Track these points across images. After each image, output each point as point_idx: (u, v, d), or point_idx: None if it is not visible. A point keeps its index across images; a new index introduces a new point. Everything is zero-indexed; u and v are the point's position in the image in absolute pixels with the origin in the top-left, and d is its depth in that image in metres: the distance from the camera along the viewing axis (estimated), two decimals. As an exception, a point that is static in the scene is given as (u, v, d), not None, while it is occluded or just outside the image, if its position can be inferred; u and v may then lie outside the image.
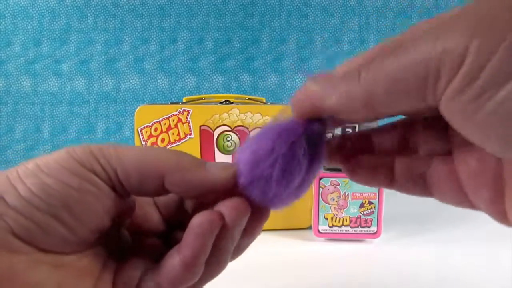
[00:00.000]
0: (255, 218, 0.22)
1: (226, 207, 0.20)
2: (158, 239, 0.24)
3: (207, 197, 0.21)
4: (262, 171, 0.20)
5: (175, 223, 0.24)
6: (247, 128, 0.60)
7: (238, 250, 0.23)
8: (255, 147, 0.21)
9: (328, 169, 0.56)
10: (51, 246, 0.19)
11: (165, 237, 0.24)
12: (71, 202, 0.19)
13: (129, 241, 0.24)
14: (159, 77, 1.08)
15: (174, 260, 0.20)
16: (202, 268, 0.21)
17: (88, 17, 1.06)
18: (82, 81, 1.06)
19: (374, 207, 0.54)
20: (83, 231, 0.20)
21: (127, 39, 1.07)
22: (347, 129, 0.55)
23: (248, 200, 0.21)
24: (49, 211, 0.19)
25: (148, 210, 0.24)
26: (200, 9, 1.08)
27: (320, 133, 0.21)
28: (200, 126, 0.60)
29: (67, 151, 0.20)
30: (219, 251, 0.21)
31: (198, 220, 0.20)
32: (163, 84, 1.08)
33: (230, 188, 0.21)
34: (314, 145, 0.21)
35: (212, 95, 0.68)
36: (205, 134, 0.60)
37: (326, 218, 0.55)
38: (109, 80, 1.07)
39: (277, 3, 1.10)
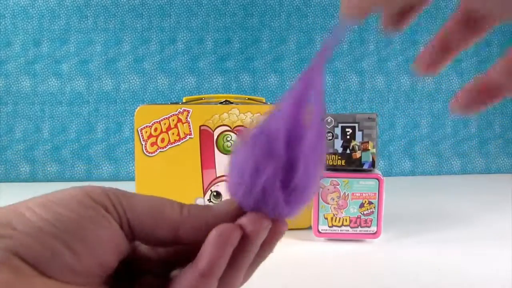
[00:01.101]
0: (272, 230, 0.22)
1: (246, 219, 0.21)
2: (156, 279, 0.23)
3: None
4: (255, 194, 0.20)
5: (172, 263, 0.24)
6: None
7: (253, 266, 0.23)
8: (238, 171, 0.21)
9: (328, 169, 0.56)
10: (56, 272, 0.18)
11: (163, 276, 0.23)
12: (82, 230, 0.19)
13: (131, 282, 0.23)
14: (159, 77, 1.08)
15: (189, 274, 0.20)
16: (216, 283, 0.21)
17: (88, 17, 1.06)
18: (82, 81, 1.06)
19: (374, 207, 0.54)
20: (91, 263, 0.19)
21: (127, 39, 1.07)
22: (347, 129, 0.55)
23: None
24: (58, 235, 0.18)
25: (147, 251, 0.24)
26: (200, 9, 1.08)
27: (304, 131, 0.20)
28: (200, 126, 0.60)
29: (79, 187, 0.20)
30: (235, 265, 0.21)
31: (218, 231, 0.20)
32: (163, 84, 1.08)
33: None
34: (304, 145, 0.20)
35: (212, 95, 0.68)
36: (205, 134, 0.60)
37: (326, 218, 0.55)
38: (109, 80, 1.07)
39: (277, 3, 1.10)
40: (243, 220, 0.21)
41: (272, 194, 0.20)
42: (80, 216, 0.19)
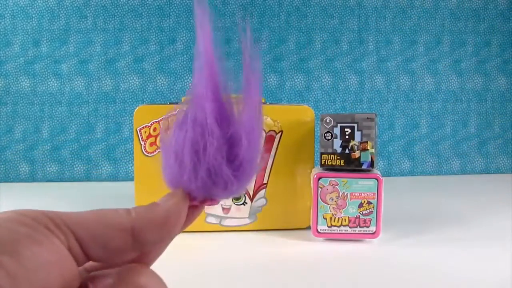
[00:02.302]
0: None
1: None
2: None
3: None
4: (202, 174, 0.20)
5: None
6: (246, 128, 0.60)
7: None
8: (175, 158, 0.21)
9: (326, 169, 0.56)
10: None
11: None
12: (14, 245, 0.15)
13: None
14: (159, 77, 1.08)
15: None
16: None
17: (88, 18, 1.06)
18: (82, 81, 1.06)
19: (373, 207, 0.54)
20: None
21: (126, 39, 1.07)
22: (346, 129, 0.55)
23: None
24: None
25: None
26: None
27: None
28: (199, 126, 0.60)
29: (12, 210, 0.17)
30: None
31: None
32: (162, 84, 1.08)
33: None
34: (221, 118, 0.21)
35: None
36: (204, 134, 0.60)
37: (325, 218, 0.55)
38: (109, 81, 1.07)
39: (276, 4, 1.10)
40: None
41: (220, 171, 0.20)
42: (11, 231, 0.15)
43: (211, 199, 0.21)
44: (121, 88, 1.07)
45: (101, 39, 1.06)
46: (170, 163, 0.21)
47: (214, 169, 0.20)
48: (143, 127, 0.59)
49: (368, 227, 0.55)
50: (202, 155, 0.20)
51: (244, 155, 0.21)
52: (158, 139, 0.59)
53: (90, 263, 0.20)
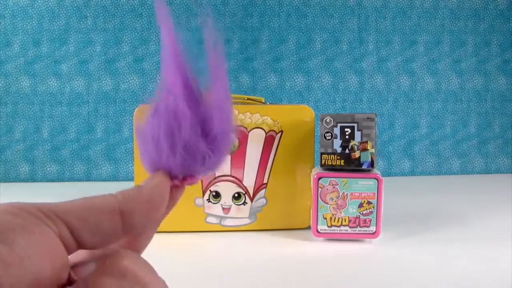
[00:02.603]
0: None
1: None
2: None
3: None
4: (179, 152, 0.21)
5: None
6: (246, 128, 0.60)
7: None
8: (151, 141, 0.22)
9: (327, 169, 0.56)
10: None
11: None
12: (6, 233, 0.15)
13: None
14: (159, 77, 1.08)
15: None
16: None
17: (88, 18, 1.06)
18: (82, 81, 1.06)
19: (373, 207, 0.54)
20: (20, 274, 0.15)
21: (126, 39, 1.07)
22: (346, 129, 0.55)
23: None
24: None
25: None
26: (199, 10, 1.08)
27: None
28: (199, 126, 0.60)
29: (3, 203, 0.17)
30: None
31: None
32: (162, 84, 1.08)
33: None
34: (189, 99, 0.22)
35: (211, 95, 0.68)
36: (204, 134, 0.60)
37: (325, 218, 0.55)
38: (109, 80, 1.07)
39: (276, 3, 1.10)
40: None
41: (196, 146, 0.21)
42: (3, 220, 0.16)
43: (191, 176, 0.22)
44: (121, 88, 1.07)
45: (101, 39, 1.06)
46: (147, 148, 0.22)
47: (190, 145, 0.21)
48: (143, 127, 0.59)
49: (368, 227, 0.55)
50: (178, 135, 0.21)
51: (217, 129, 0.22)
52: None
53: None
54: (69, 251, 0.18)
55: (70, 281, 0.18)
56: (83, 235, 0.18)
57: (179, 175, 0.22)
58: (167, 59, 0.23)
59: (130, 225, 0.19)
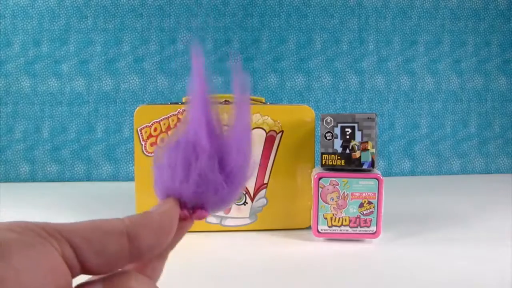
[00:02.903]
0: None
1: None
2: None
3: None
4: (193, 179, 0.21)
5: None
6: (247, 128, 0.60)
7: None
8: (168, 169, 0.22)
9: (327, 169, 0.56)
10: None
11: None
12: (5, 249, 0.15)
13: None
14: (159, 77, 1.08)
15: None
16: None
17: (88, 18, 1.06)
18: (82, 81, 1.06)
19: (374, 207, 0.54)
20: None
21: (126, 39, 1.07)
22: (347, 129, 0.55)
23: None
24: None
25: None
26: (199, 10, 1.08)
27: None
28: (199, 126, 0.60)
29: (3, 222, 0.17)
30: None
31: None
32: (162, 84, 1.08)
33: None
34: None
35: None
36: (205, 134, 0.60)
37: (326, 218, 0.55)
38: (109, 81, 1.07)
39: (276, 4, 1.10)
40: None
41: (211, 175, 0.21)
42: (2, 237, 0.15)
43: (201, 207, 0.22)
44: (121, 88, 1.07)
45: (102, 39, 1.06)
46: (162, 174, 0.22)
47: (205, 173, 0.21)
48: (143, 127, 0.59)
49: (368, 227, 0.55)
50: (194, 163, 0.21)
51: (234, 162, 0.22)
52: (158, 139, 0.59)
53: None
54: (73, 272, 0.17)
55: None
56: (87, 255, 0.17)
57: (189, 204, 0.22)
58: (194, 96, 0.23)
59: (137, 250, 0.19)
